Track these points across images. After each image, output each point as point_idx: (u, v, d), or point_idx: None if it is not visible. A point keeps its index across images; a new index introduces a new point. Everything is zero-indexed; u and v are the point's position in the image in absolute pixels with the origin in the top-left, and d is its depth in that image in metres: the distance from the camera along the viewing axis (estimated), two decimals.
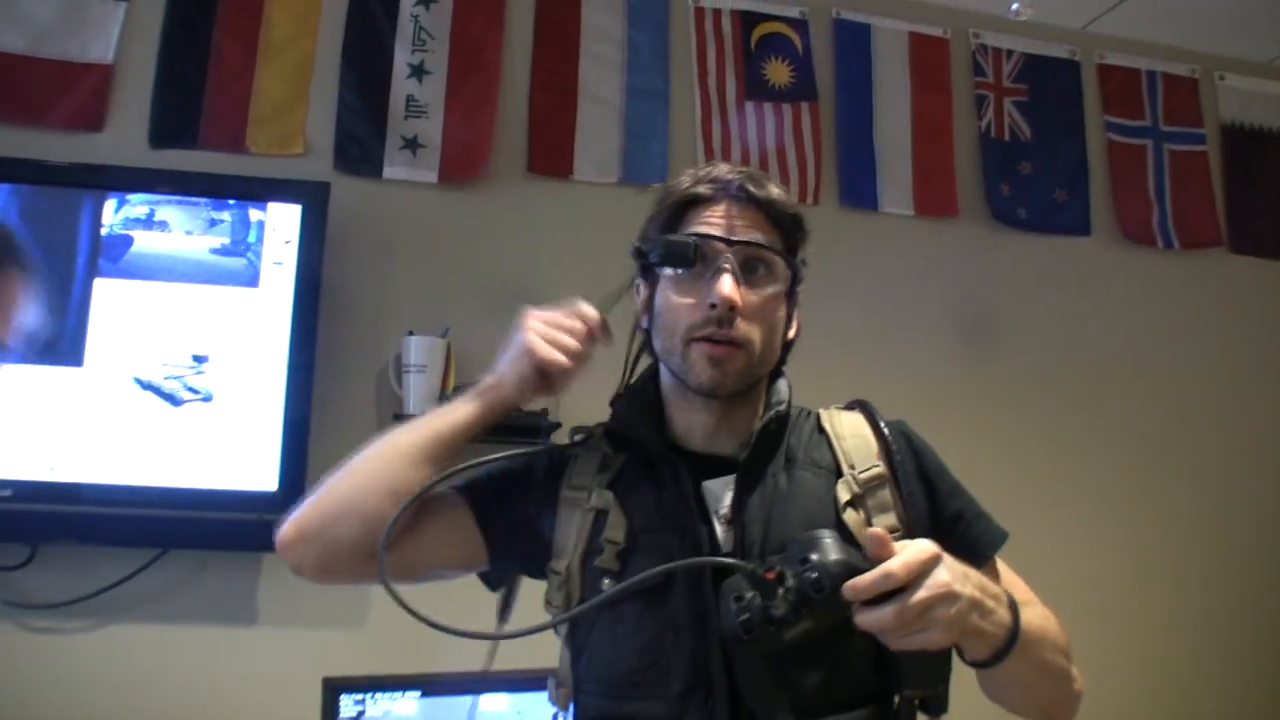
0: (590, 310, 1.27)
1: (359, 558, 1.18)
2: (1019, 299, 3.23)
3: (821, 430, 1.27)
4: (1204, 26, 3.43)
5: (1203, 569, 3.22)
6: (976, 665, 1.04)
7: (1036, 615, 1.09)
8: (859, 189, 3.12)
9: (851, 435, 1.25)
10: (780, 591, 0.94)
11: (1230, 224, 3.49)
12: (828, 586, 0.92)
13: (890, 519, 1.17)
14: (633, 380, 1.32)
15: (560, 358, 1.21)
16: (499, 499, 1.27)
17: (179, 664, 2.39)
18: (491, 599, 1.34)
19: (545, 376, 1.24)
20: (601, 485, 1.22)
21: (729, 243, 1.18)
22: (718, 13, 3.10)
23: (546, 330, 1.23)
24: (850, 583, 0.92)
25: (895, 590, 0.91)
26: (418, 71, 2.78)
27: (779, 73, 3.12)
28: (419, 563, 1.24)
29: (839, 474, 1.20)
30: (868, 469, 1.20)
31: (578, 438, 1.29)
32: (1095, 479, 3.15)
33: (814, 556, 0.94)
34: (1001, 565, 1.24)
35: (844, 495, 1.17)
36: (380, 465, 1.22)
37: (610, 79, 2.97)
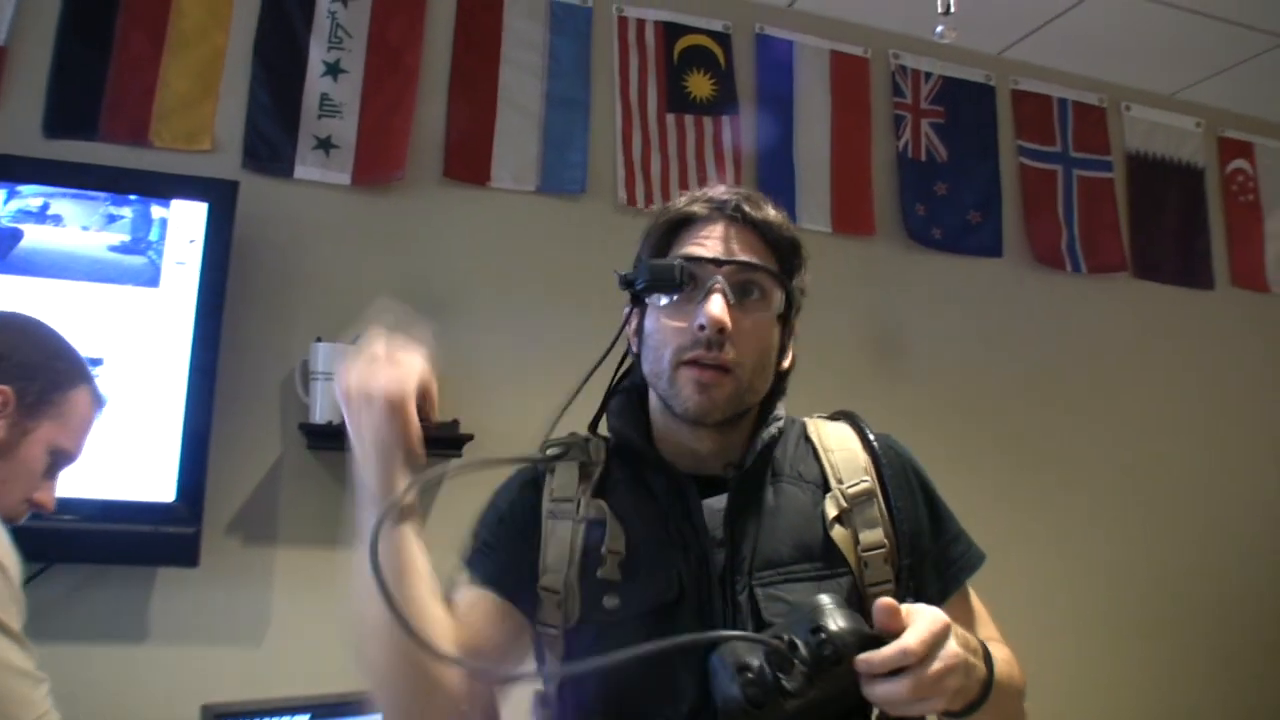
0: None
1: (450, 704, 1.07)
2: (933, 318, 3.28)
3: (808, 441, 1.25)
4: (1112, 58, 3.54)
5: (1113, 581, 3.31)
6: (946, 714, 1.03)
7: (1003, 662, 1.08)
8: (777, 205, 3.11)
9: (839, 448, 1.23)
10: (795, 663, 0.91)
11: (1133, 250, 3.60)
12: (845, 658, 0.91)
13: (877, 534, 1.16)
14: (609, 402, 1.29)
15: (396, 385, 1.06)
16: (509, 565, 1.17)
17: (60, 686, 2.26)
18: None
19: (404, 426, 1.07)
20: (588, 495, 1.18)
21: (719, 263, 1.15)
22: (641, 23, 3.08)
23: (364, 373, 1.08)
24: (865, 658, 0.91)
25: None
26: (333, 70, 2.70)
27: (701, 86, 3.11)
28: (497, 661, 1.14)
29: (826, 488, 1.18)
30: (855, 484, 1.18)
31: (552, 451, 1.23)
32: (1003, 494, 3.20)
33: (829, 625, 0.92)
34: (971, 593, 1.25)
35: (831, 511, 1.16)
36: (387, 650, 1.05)
37: (530, 86, 2.93)
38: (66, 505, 2.13)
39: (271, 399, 2.53)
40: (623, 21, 3.06)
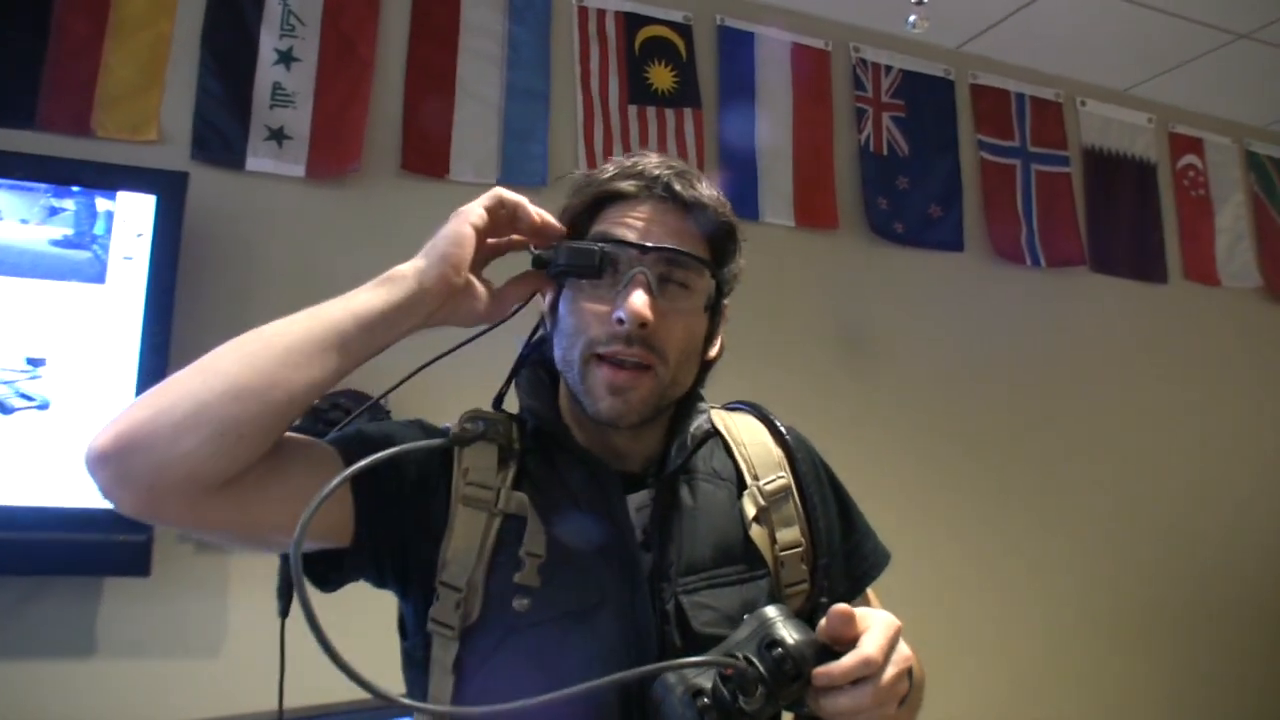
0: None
1: (200, 489, 0.89)
2: (895, 311, 3.27)
3: (716, 433, 1.17)
4: (1068, 54, 3.56)
5: (1070, 570, 3.33)
6: None
7: (915, 659, 1.02)
8: (740, 198, 3.07)
9: (751, 441, 1.17)
10: (756, 683, 0.85)
11: (1090, 244, 3.62)
12: (805, 673, 0.86)
13: (794, 533, 1.12)
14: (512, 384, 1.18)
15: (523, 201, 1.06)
16: (386, 468, 0.99)
17: (2, 705, 2.15)
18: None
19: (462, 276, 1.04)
20: (507, 486, 1.06)
21: (644, 250, 1.04)
22: (601, 13, 3.02)
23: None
24: (825, 671, 0.86)
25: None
26: (286, 58, 2.61)
27: (662, 78, 3.06)
28: (256, 520, 0.96)
29: (741, 485, 1.13)
30: (771, 480, 1.13)
31: (472, 425, 1.07)
32: (966, 484, 3.21)
33: (786, 639, 0.86)
34: (870, 592, 1.22)
35: (750, 510, 1.11)
36: (246, 362, 0.93)
37: (490, 76, 2.85)
38: (8, 515, 2.05)
39: None
40: (583, 11, 3.00)
